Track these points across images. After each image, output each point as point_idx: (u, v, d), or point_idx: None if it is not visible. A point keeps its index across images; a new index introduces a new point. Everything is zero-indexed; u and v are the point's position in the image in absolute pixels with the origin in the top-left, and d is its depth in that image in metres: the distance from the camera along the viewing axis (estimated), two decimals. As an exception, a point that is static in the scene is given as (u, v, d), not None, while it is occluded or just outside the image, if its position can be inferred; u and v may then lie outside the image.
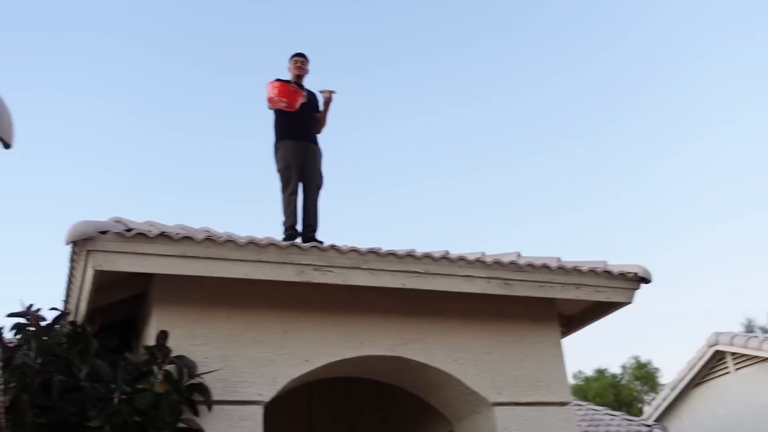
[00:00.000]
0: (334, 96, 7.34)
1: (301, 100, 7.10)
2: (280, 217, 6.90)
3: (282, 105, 7.03)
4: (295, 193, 6.92)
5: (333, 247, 5.44)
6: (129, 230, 4.86)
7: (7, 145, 1.75)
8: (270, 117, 7.28)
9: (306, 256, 5.30)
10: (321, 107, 7.43)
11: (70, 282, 5.53)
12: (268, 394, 5.22)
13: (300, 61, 7.41)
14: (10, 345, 5.20)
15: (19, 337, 5.27)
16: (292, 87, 7.16)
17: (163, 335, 4.94)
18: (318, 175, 7.12)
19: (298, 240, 6.43)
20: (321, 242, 6.20)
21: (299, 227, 6.83)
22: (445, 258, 5.70)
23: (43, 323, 5.21)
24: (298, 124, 7.10)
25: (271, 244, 5.23)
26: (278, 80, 7.13)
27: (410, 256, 5.59)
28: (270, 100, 7.04)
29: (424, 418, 6.94)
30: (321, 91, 7.40)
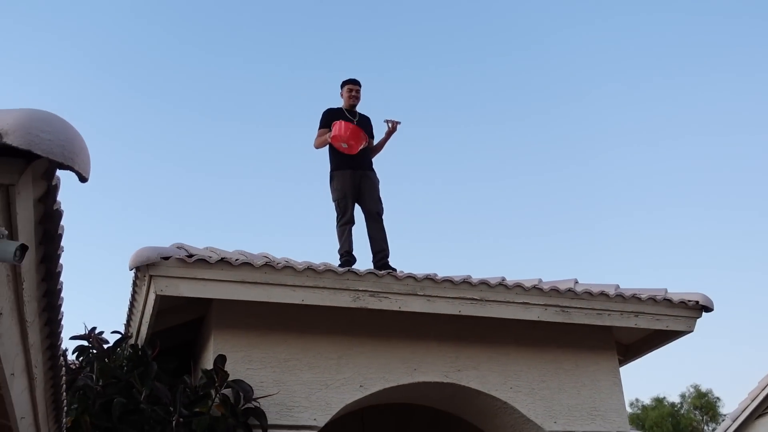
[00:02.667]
0: (398, 127, 7.30)
1: (363, 146, 6.98)
2: (335, 245, 6.91)
3: (343, 147, 6.91)
4: (349, 222, 6.88)
5: (389, 273, 5.46)
6: (190, 256, 4.96)
7: (84, 179, 1.82)
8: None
9: (362, 282, 5.33)
10: (384, 135, 7.35)
11: (132, 306, 5.65)
12: (322, 419, 5.24)
13: (354, 89, 7.27)
14: (72, 367, 5.33)
15: (81, 359, 5.40)
16: (362, 133, 7.00)
17: (221, 359, 5.01)
18: (378, 202, 7.07)
19: (355, 266, 6.43)
20: (394, 269, 6.16)
21: (369, 255, 6.78)
22: (502, 285, 5.67)
23: (105, 346, 5.34)
24: (354, 154, 7.07)
25: (329, 270, 5.27)
26: (346, 121, 6.99)
27: (466, 282, 5.57)
28: (335, 137, 6.88)
29: (479, 446, 6.87)
30: (386, 121, 7.29)
